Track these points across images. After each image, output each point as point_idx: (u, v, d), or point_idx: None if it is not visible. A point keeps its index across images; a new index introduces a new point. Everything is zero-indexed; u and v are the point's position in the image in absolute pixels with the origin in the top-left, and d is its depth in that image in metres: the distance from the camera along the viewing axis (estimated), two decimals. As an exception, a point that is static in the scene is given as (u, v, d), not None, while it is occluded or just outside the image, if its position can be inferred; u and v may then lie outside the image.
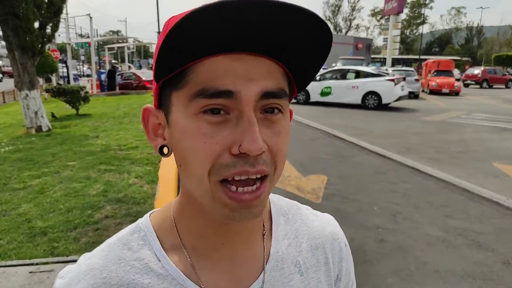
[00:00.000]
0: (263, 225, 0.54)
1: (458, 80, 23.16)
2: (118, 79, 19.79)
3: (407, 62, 52.66)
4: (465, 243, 3.50)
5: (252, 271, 0.51)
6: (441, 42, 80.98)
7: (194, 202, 0.46)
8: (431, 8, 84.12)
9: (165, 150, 0.46)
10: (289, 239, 0.55)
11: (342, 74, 14.04)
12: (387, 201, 4.49)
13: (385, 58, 31.29)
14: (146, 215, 0.53)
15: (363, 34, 79.85)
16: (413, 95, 17.76)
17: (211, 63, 0.40)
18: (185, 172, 0.43)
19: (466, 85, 27.70)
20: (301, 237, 0.57)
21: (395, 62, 41.05)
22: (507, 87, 27.33)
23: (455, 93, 19.88)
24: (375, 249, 3.37)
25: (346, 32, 77.06)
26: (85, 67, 33.46)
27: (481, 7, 67.57)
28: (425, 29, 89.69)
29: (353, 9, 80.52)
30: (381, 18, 58.37)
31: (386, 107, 13.26)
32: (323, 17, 0.50)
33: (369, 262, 3.15)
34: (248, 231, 0.51)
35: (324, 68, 14.91)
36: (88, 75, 26.84)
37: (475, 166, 6.10)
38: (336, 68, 15.22)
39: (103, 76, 19.69)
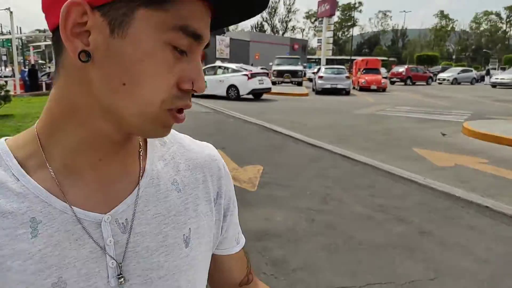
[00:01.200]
0: (140, 146, 0.54)
1: (385, 78, 24.86)
2: (45, 78, 18.46)
3: (340, 63, 55.25)
4: (387, 218, 3.79)
5: (127, 187, 0.50)
6: (370, 44, 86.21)
7: (80, 116, 0.45)
8: (360, 11, 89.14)
9: (83, 56, 0.41)
10: (166, 160, 0.55)
11: (215, 71, 15.84)
12: (319, 186, 4.70)
13: (320, 59, 32.60)
14: (1, 139, 0.49)
15: (299, 36, 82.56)
16: (344, 92, 18.76)
17: (192, 2, 0.42)
18: (128, 92, 0.42)
19: (392, 83, 29.82)
20: (178, 158, 0.57)
21: (329, 62, 42.87)
22: (428, 83, 29.91)
23: (382, 89, 21.37)
24: (306, 228, 3.53)
25: (283, 34, 79.08)
26: (7, 69, 30.63)
27: (404, 11, 73.09)
28: (355, 31, 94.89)
29: (288, 11, 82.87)
30: (315, 20, 60.72)
31: (327, 102, 13.85)
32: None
33: (300, 240, 3.29)
34: (125, 151, 0.50)
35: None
36: (6, 76, 24.64)
37: (397, 151, 6.61)
38: (209, 66, 16.76)
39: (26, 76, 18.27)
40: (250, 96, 15.46)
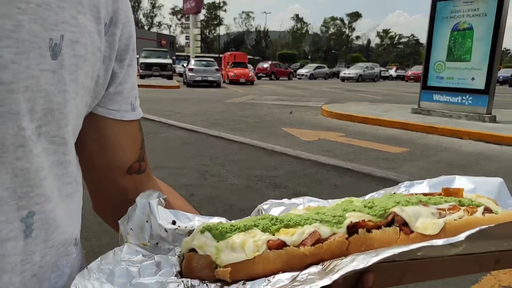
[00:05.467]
0: None
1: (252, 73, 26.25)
2: None
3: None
4: (264, 186, 3.88)
5: None
6: (236, 43, 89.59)
7: None
8: (225, 10, 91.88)
9: None
10: None
11: None
12: (196, 164, 4.57)
13: (188, 56, 32.51)
14: None
15: (166, 32, 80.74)
16: (215, 84, 19.04)
17: None
18: None
19: (259, 77, 31.58)
20: None
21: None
22: (289, 78, 32.63)
23: (251, 82, 22.51)
24: (186, 203, 3.36)
25: (149, 29, 76.28)
26: None
27: (265, 12, 78.00)
28: (222, 30, 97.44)
29: (153, 6, 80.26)
30: (182, 17, 60.27)
31: (193, 93, 13.71)
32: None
33: (180, 214, 3.10)
34: None
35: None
36: None
37: (268, 131, 6.94)
38: None
39: None
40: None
